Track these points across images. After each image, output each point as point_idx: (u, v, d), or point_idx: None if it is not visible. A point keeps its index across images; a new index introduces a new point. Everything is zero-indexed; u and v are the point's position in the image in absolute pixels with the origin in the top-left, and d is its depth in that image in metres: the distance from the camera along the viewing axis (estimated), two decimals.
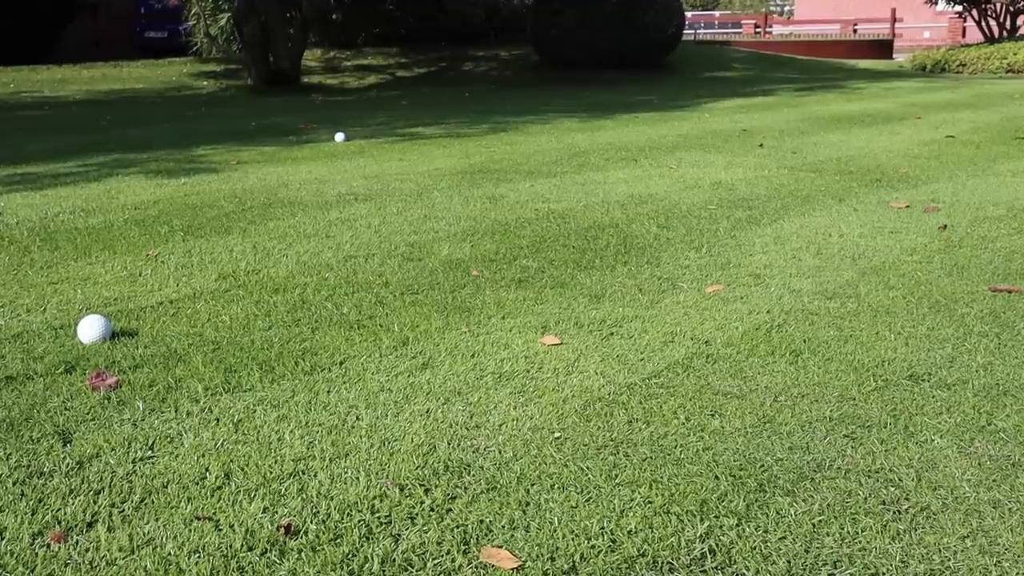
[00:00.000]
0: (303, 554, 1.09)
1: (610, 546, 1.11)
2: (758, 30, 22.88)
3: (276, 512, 1.19)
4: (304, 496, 1.24)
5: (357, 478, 1.28)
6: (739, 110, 7.82)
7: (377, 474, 1.30)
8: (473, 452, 1.37)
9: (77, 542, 1.13)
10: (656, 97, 9.45)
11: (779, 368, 1.73)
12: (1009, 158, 4.54)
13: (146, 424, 1.50)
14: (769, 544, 1.11)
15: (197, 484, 1.28)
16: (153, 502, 1.23)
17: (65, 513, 1.20)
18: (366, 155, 5.28)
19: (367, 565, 1.07)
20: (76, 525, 1.17)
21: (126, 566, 1.07)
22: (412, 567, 1.07)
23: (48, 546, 1.12)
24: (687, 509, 1.18)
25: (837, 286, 2.29)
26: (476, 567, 1.07)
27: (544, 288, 2.31)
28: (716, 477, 1.28)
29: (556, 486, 1.26)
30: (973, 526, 1.14)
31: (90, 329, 1.92)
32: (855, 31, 19.86)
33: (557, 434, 1.44)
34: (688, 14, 19.97)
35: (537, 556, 1.09)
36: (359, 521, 1.17)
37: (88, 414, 1.54)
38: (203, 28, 13.22)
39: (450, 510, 1.20)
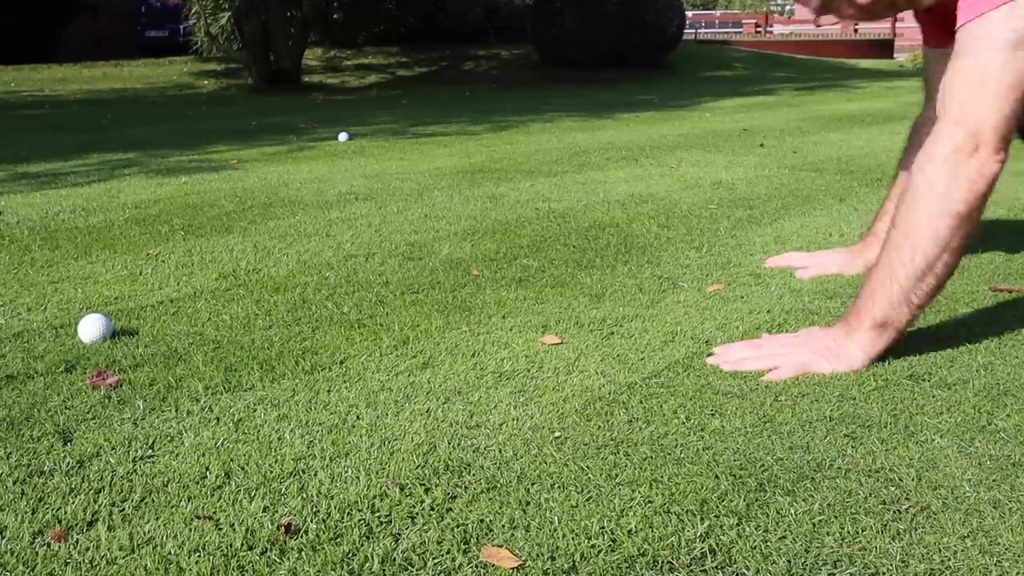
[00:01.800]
0: (303, 553, 1.09)
1: (610, 545, 1.11)
2: (759, 29, 22.89)
3: (276, 511, 1.19)
4: (304, 495, 1.24)
5: (357, 477, 1.28)
6: (740, 109, 7.82)
7: (377, 473, 1.30)
8: (473, 451, 1.37)
9: (77, 541, 1.13)
10: (656, 96, 9.46)
11: None
12: (1009, 158, 4.53)
13: (146, 423, 1.50)
14: (769, 544, 1.11)
15: (197, 483, 1.28)
16: (153, 501, 1.23)
17: (65, 512, 1.20)
18: (366, 154, 5.28)
19: (367, 564, 1.07)
20: (76, 524, 1.17)
21: (126, 565, 1.07)
22: (412, 566, 1.07)
23: (48, 545, 1.12)
24: (687, 509, 1.18)
25: (838, 285, 2.29)
26: (476, 566, 1.07)
27: (544, 287, 2.31)
28: (716, 476, 1.27)
29: (556, 485, 1.26)
30: (973, 526, 1.14)
31: (90, 328, 1.92)
32: (856, 31, 19.86)
33: (557, 433, 1.44)
34: (688, 13, 19.97)
35: (537, 555, 1.09)
36: (359, 520, 1.17)
37: (88, 413, 1.54)
38: (203, 27, 13.22)
39: (450, 509, 1.20)
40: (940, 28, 1.91)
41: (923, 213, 1.60)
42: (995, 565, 1.06)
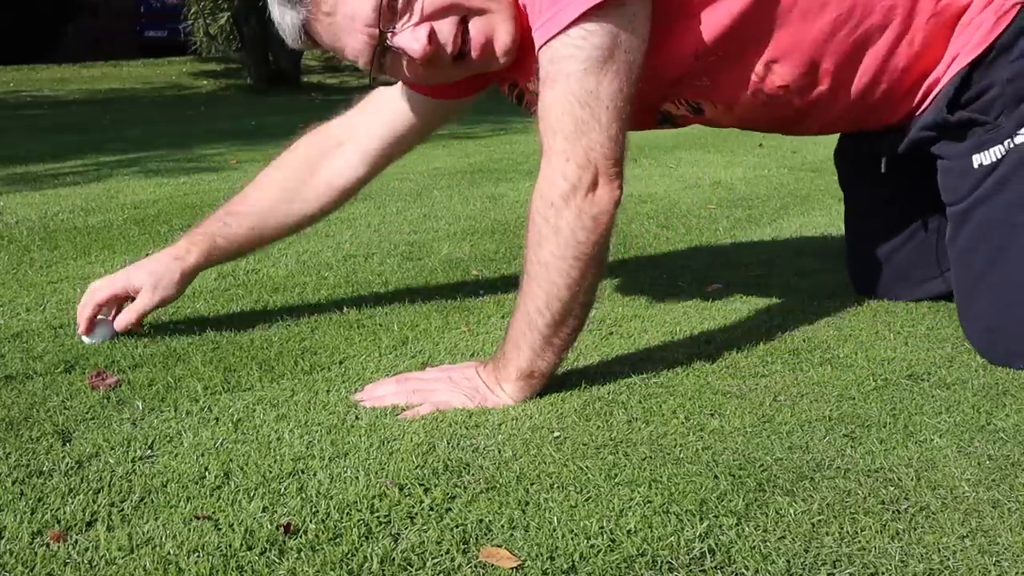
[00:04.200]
0: (302, 553, 1.09)
1: (609, 545, 1.11)
2: None
3: (275, 511, 1.19)
4: (303, 495, 1.24)
5: (356, 477, 1.28)
6: None
7: (376, 474, 1.30)
8: (472, 451, 1.37)
9: (76, 541, 1.13)
10: None
11: (778, 367, 1.73)
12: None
13: (145, 423, 1.50)
14: (768, 544, 1.11)
15: (196, 483, 1.28)
16: (152, 501, 1.23)
17: (64, 512, 1.20)
18: None
19: (366, 564, 1.07)
20: (75, 524, 1.17)
21: (125, 565, 1.07)
22: (411, 566, 1.07)
23: (47, 545, 1.12)
24: (686, 509, 1.18)
25: (836, 285, 2.29)
26: (475, 566, 1.07)
27: None
28: (715, 476, 1.27)
29: (555, 485, 1.26)
30: (972, 526, 1.14)
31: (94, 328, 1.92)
32: None
33: (556, 433, 1.44)
34: None
35: (536, 555, 1.09)
36: (358, 520, 1.17)
37: (87, 413, 1.54)
38: (203, 27, 13.21)
39: (449, 509, 1.20)
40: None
41: (552, 259, 1.50)
42: (994, 565, 1.06)
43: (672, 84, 1.75)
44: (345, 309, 2.15)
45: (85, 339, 1.91)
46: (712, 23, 1.63)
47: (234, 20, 12.40)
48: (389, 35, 1.54)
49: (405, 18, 1.53)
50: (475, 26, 1.55)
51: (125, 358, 1.81)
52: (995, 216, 1.72)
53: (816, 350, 1.81)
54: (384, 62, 1.60)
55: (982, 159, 1.73)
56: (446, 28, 1.54)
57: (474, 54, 1.57)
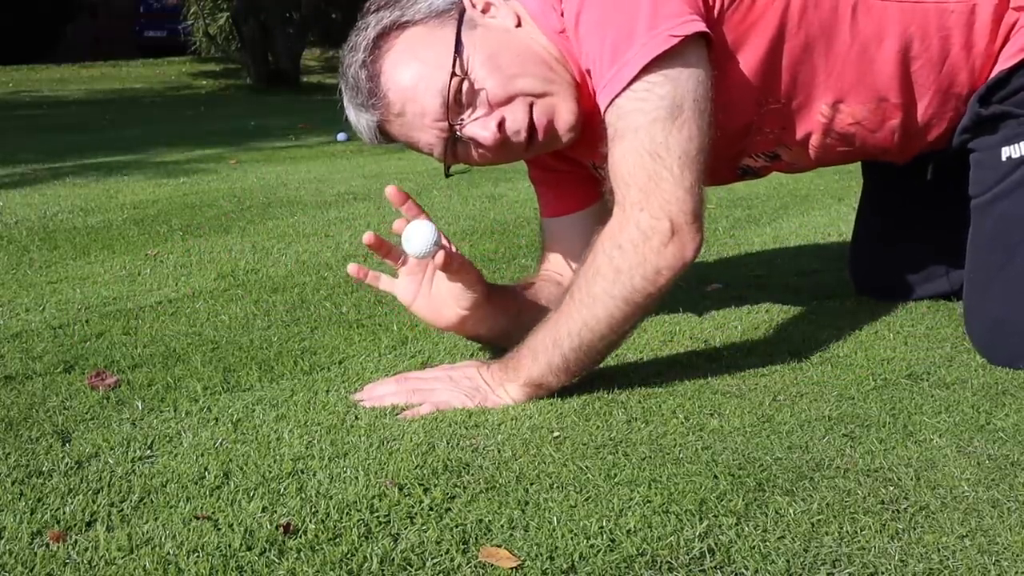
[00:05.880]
0: (302, 553, 1.09)
1: (609, 545, 1.11)
2: None
3: (275, 511, 1.19)
4: (303, 495, 1.24)
5: (356, 478, 1.28)
6: None
7: (376, 474, 1.30)
8: (472, 451, 1.37)
9: (76, 541, 1.13)
10: None
11: (778, 367, 1.73)
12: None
13: (145, 423, 1.50)
14: (768, 543, 1.11)
15: (196, 484, 1.28)
16: (152, 502, 1.23)
17: (64, 512, 1.20)
18: (365, 154, 5.28)
19: (366, 564, 1.07)
20: (75, 525, 1.17)
21: (125, 565, 1.07)
22: (411, 566, 1.07)
23: (47, 545, 1.12)
24: (686, 508, 1.18)
25: (836, 285, 2.29)
26: (475, 566, 1.07)
27: None
28: (715, 476, 1.27)
29: (555, 485, 1.26)
30: (972, 525, 1.14)
31: (418, 237, 1.77)
32: None
33: (556, 433, 1.44)
34: None
35: (536, 555, 1.09)
36: (358, 520, 1.17)
37: (87, 413, 1.54)
38: (202, 27, 13.21)
39: (449, 509, 1.20)
40: (571, 186, 1.82)
41: (602, 294, 1.50)
42: (994, 564, 1.06)
43: (743, 135, 1.75)
44: (345, 309, 2.15)
45: (409, 247, 1.77)
46: (750, 61, 1.63)
47: (233, 20, 12.42)
48: (458, 127, 1.59)
49: (470, 110, 1.58)
50: (538, 109, 1.58)
51: (124, 358, 1.81)
52: (1017, 212, 1.72)
53: (816, 350, 1.81)
54: (456, 151, 1.66)
55: (1011, 152, 1.72)
56: (517, 115, 1.58)
57: (539, 136, 1.59)
